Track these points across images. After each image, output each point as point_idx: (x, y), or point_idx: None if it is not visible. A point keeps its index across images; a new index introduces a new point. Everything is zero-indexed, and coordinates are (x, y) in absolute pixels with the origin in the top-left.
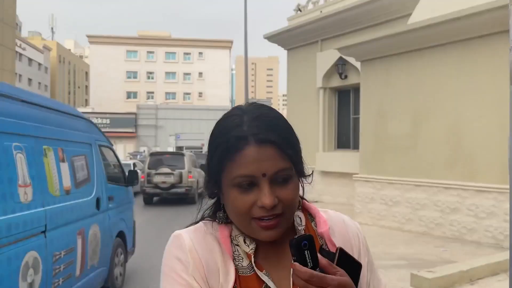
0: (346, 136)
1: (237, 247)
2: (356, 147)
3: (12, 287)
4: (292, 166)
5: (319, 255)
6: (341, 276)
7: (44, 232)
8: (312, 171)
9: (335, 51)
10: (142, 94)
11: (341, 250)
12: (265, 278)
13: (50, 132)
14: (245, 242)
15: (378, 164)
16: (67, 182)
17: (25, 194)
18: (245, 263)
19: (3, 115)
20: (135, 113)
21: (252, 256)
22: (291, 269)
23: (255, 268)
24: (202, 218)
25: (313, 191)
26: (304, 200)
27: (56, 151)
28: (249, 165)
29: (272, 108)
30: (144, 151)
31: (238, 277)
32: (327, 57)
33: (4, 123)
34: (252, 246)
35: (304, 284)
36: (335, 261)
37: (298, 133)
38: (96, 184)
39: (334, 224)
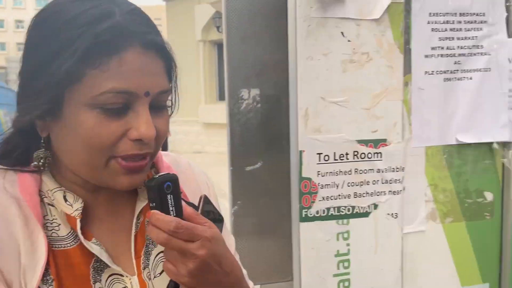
0: None
1: (50, 207)
2: None
3: None
4: (171, 89)
5: (183, 202)
6: (211, 228)
7: None
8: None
9: (211, 3)
10: (11, 45)
11: (206, 199)
12: (95, 249)
13: None
14: (66, 200)
15: None
16: None
17: None
18: (63, 231)
19: None
20: (5, 67)
21: (79, 220)
22: (133, 231)
23: (81, 237)
24: None
25: (197, 142)
26: None
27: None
28: (130, 77)
29: None
30: None
31: (52, 253)
32: (204, 10)
33: None
34: (78, 205)
35: (167, 238)
36: (199, 211)
37: (181, 86)
38: None
39: (180, 170)
